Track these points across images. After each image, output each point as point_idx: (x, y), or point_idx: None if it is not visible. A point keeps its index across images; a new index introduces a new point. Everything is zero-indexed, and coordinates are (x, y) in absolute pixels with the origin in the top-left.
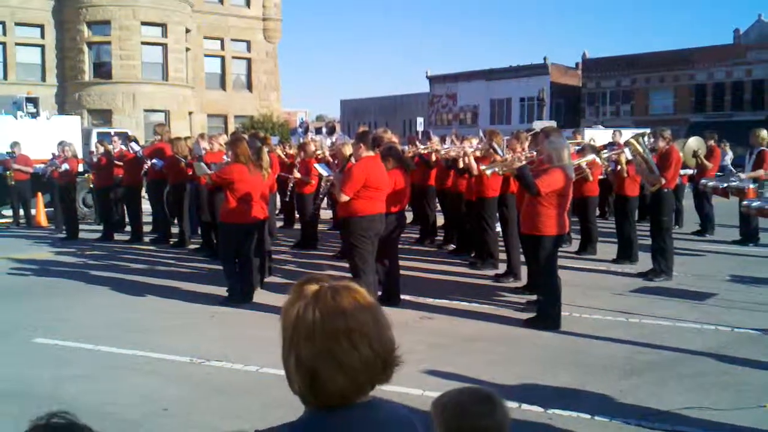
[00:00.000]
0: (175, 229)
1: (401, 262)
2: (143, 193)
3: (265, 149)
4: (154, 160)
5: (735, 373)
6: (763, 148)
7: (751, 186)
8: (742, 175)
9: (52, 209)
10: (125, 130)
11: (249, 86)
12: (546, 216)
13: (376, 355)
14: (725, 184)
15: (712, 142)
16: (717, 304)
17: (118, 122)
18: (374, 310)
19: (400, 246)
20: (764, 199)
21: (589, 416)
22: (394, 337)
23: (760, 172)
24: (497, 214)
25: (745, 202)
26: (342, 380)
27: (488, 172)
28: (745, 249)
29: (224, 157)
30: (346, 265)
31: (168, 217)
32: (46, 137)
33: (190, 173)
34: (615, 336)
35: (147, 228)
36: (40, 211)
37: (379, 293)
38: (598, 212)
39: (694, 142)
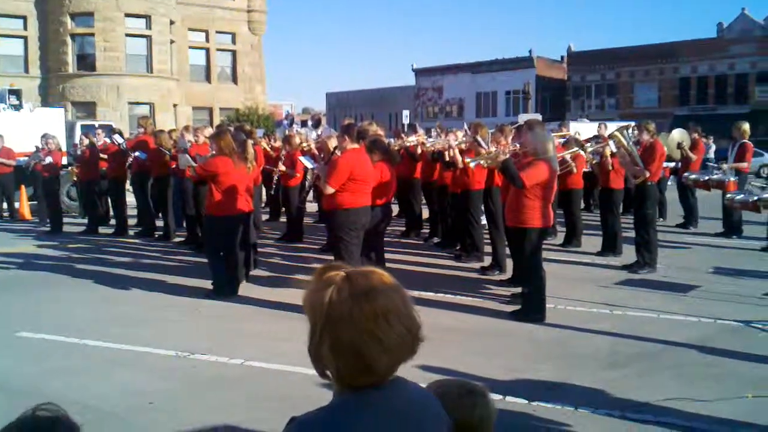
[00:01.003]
0: (159, 222)
1: (387, 255)
2: (128, 185)
3: (250, 142)
4: (137, 153)
5: (718, 364)
6: (745, 140)
7: (732, 179)
8: (725, 166)
9: (36, 202)
10: (109, 122)
11: (234, 78)
12: (531, 208)
13: (408, 331)
14: (707, 177)
15: (695, 135)
16: (700, 296)
17: (102, 115)
18: (401, 290)
19: (385, 239)
20: (747, 193)
21: (572, 408)
22: (418, 315)
23: (744, 164)
24: (482, 207)
25: (728, 195)
26: (386, 359)
27: (472, 164)
28: (728, 241)
29: (209, 149)
30: (332, 257)
31: (153, 210)
32: (30, 130)
33: (174, 166)
34: (599, 328)
35: (132, 221)
36: (23, 204)
37: None
38: (582, 205)
39: (677, 134)
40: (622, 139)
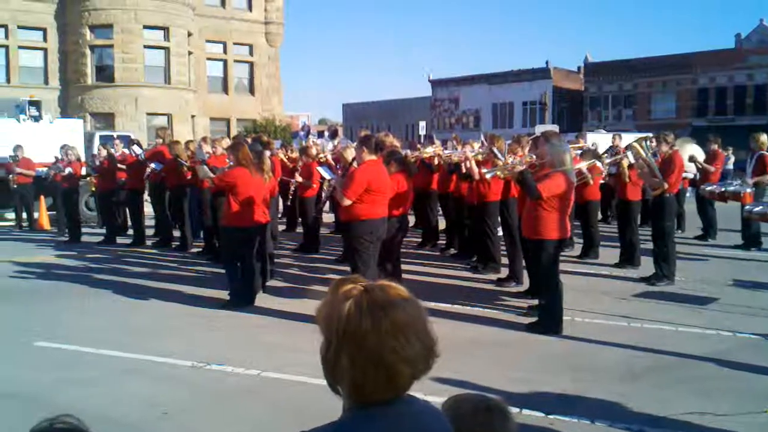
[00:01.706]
0: (177, 233)
1: (403, 266)
2: (146, 196)
3: (267, 153)
4: (152, 164)
5: (737, 378)
6: (763, 152)
7: (748, 190)
8: (750, 180)
9: (55, 212)
10: (128, 133)
11: (251, 90)
12: (548, 220)
13: (424, 346)
14: (722, 189)
15: (715, 147)
16: (719, 309)
17: (121, 125)
18: (418, 304)
19: (402, 250)
20: (766, 204)
21: (589, 422)
22: (434, 330)
23: (765, 178)
24: (499, 218)
25: (747, 207)
26: (407, 373)
27: (488, 175)
28: (747, 254)
29: (227, 160)
30: (348, 268)
31: (170, 220)
32: (49, 141)
33: (189, 177)
34: (617, 341)
35: (149, 231)
36: (42, 214)
37: None
38: (600, 216)
39: (690, 147)
40: (641, 151)
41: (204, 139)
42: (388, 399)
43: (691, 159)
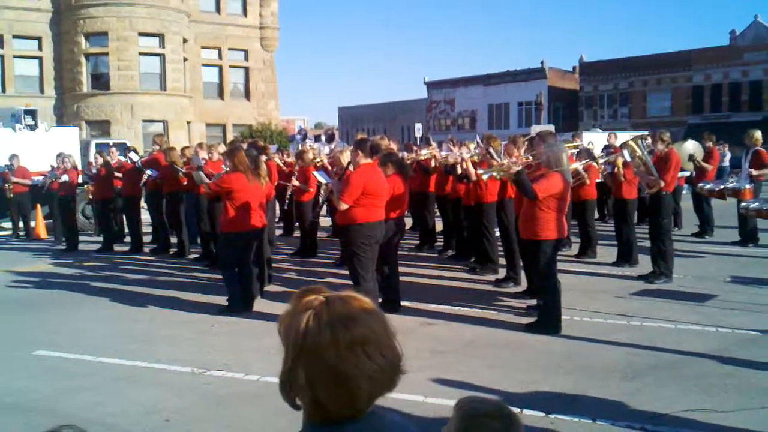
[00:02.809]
0: (174, 239)
1: (401, 269)
2: (142, 203)
3: (263, 157)
4: (148, 171)
5: (737, 374)
6: (758, 148)
7: (747, 187)
8: (754, 172)
9: (52, 221)
10: (124, 140)
11: (247, 95)
12: (545, 220)
13: (387, 362)
14: (721, 186)
15: (710, 144)
16: (718, 306)
17: (117, 133)
18: (382, 318)
19: (399, 252)
20: (762, 201)
21: (591, 420)
22: (399, 345)
23: (766, 171)
24: (496, 219)
25: (743, 204)
26: (367, 390)
27: (485, 177)
28: (744, 250)
29: (223, 166)
30: (346, 272)
31: (167, 227)
32: (45, 149)
33: (185, 183)
34: (616, 339)
35: (146, 238)
36: (39, 223)
37: (380, 300)
38: (597, 215)
39: (691, 146)
40: (637, 149)
41: (200, 145)
42: (350, 416)
43: (691, 158)
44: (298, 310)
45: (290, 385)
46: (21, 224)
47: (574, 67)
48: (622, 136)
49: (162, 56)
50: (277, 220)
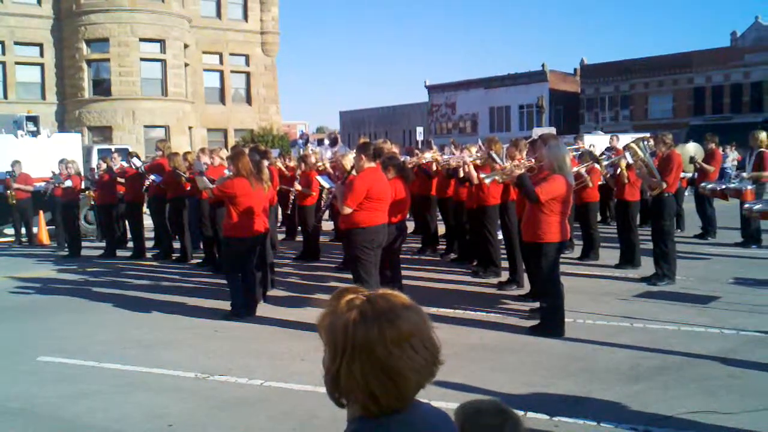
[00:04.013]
0: (177, 245)
1: (403, 272)
2: (145, 208)
3: (265, 162)
4: (152, 176)
5: (742, 376)
6: (762, 149)
7: (749, 187)
8: (745, 175)
9: (54, 227)
10: (126, 146)
11: (248, 100)
12: (547, 223)
13: (429, 354)
14: (723, 186)
15: (712, 145)
16: (721, 307)
17: (119, 139)
18: (422, 312)
19: (402, 256)
20: (765, 202)
21: (595, 423)
22: (437, 336)
23: (766, 174)
24: (499, 222)
25: (746, 205)
26: (414, 381)
27: (487, 180)
28: (747, 251)
29: (225, 171)
30: (350, 276)
31: (170, 232)
32: (47, 155)
33: (189, 188)
34: (620, 342)
35: (149, 244)
36: (42, 229)
37: None
38: (599, 217)
39: (692, 148)
40: (639, 151)
41: (202, 150)
42: (398, 408)
43: (692, 160)
44: (339, 309)
45: (339, 382)
46: (24, 230)
47: (575, 70)
48: (624, 139)
49: (163, 62)
50: (279, 224)
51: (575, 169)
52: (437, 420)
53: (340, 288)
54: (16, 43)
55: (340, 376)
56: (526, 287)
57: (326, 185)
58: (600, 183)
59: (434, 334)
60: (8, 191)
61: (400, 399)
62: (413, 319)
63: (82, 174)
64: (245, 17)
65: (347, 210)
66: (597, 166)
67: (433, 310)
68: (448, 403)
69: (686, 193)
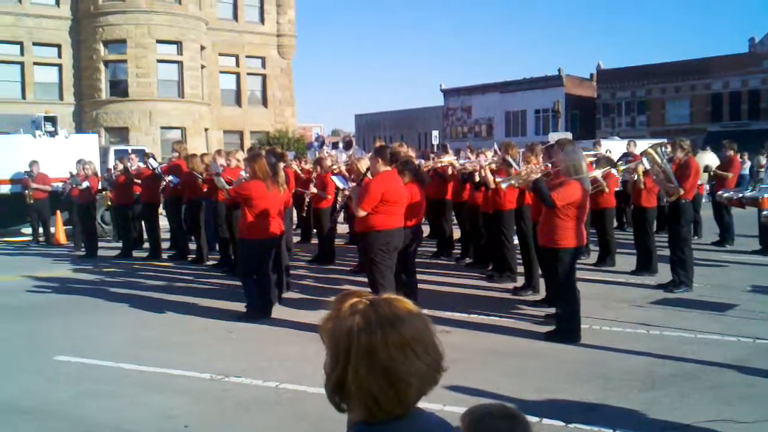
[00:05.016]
0: (192, 246)
1: (419, 276)
2: (161, 209)
3: (281, 165)
4: (170, 177)
5: (758, 384)
6: None
7: (766, 195)
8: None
9: (71, 227)
10: (142, 147)
11: (264, 102)
12: (563, 228)
13: (432, 360)
14: (740, 194)
15: (731, 152)
16: (738, 315)
17: (135, 140)
18: (425, 318)
19: (417, 260)
20: None
21: (611, 430)
22: (440, 343)
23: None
24: (514, 227)
25: (765, 212)
26: (416, 387)
27: (504, 185)
28: (765, 259)
29: (242, 173)
30: (365, 279)
31: (186, 233)
32: (64, 156)
33: (205, 190)
34: (636, 348)
35: (165, 245)
36: (59, 229)
37: None
38: (615, 224)
39: (707, 158)
40: (656, 157)
41: (218, 151)
42: (399, 414)
43: (706, 169)
44: (342, 314)
45: (341, 387)
46: (41, 230)
47: (591, 75)
48: (641, 144)
49: (180, 63)
50: (294, 227)
51: (592, 174)
52: (439, 429)
53: (343, 292)
54: (35, 44)
55: (342, 381)
56: (542, 292)
57: (341, 185)
58: (617, 189)
59: (438, 340)
60: (26, 191)
61: (401, 405)
62: (416, 324)
63: (99, 174)
64: (261, 20)
65: (362, 213)
66: (614, 171)
67: (448, 314)
68: (462, 408)
69: (704, 200)
